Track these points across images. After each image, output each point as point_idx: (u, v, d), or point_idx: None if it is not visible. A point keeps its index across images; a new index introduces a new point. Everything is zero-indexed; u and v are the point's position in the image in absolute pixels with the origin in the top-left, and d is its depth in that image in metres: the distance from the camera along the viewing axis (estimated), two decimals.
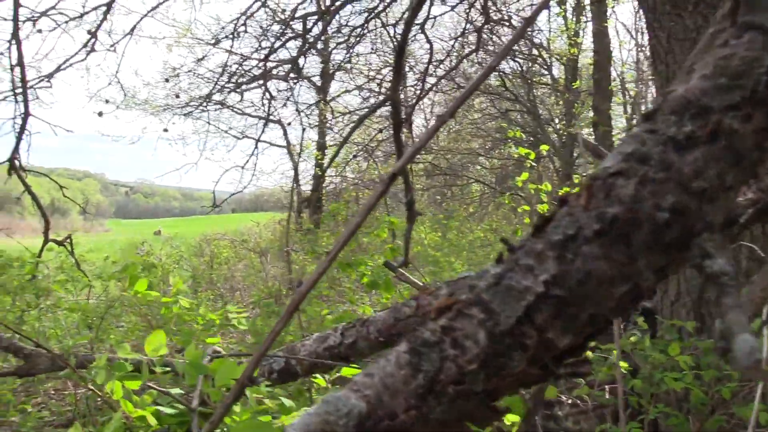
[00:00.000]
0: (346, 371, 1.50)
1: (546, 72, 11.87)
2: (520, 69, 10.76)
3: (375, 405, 0.47)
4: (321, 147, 12.69)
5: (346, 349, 1.43)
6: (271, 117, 10.68)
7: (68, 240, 5.52)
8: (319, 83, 12.92)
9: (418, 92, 7.08)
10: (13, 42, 4.80)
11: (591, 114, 10.52)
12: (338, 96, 10.73)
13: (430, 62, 6.87)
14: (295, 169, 14.08)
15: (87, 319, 4.91)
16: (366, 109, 9.80)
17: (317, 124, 12.03)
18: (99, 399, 4.42)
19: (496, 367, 0.48)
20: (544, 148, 5.05)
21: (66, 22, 6.52)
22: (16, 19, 5.18)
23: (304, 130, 9.85)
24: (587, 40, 10.66)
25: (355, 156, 9.25)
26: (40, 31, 6.70)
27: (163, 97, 12.11)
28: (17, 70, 5.28)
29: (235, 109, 12.15)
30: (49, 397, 4.80)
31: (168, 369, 1.25)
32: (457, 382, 0.48)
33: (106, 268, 10.66)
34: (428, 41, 6.15)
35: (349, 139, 11.93)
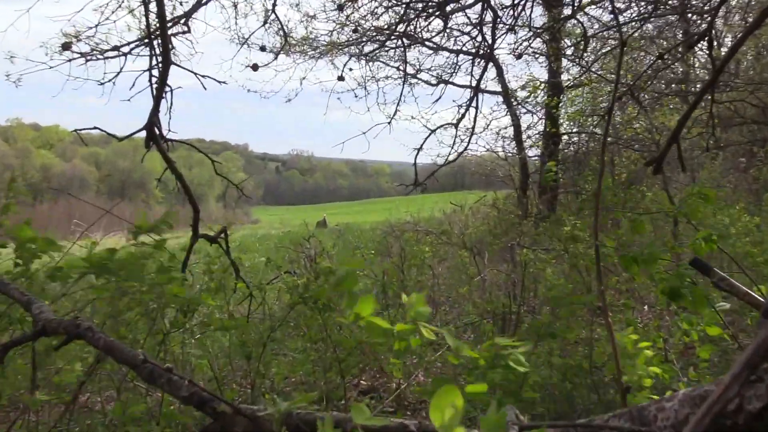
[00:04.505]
0: None
1: None
2: None
3: None
4: (555, 90, 12.28)
5: (751, 419, 1.16)
6: (483, 50, 10.55)
7: (223, 235, 5.83)
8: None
9: None
10: None
11: None
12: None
13: None
14: (517, 125, 13.91)
15: (245, 344, 5.15)
16: None
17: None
18: None
19: None
20: None
21: None
22: None
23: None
24: None
25: (620, 98, 8.71)
26: None
27: (326, 34, 12.56)
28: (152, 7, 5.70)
29: (429, 44, 12.22)
30: None
31: None
32: None
33: (262, 275, 11.40)
34: None
35: (598, 78, 11.40)
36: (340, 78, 11.34)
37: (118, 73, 7.29)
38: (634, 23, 9.72)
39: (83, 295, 4.52)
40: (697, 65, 12.88)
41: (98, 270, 3.05)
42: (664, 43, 12.08)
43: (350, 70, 11.73)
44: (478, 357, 1.88)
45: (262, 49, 11.41)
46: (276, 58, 11.65)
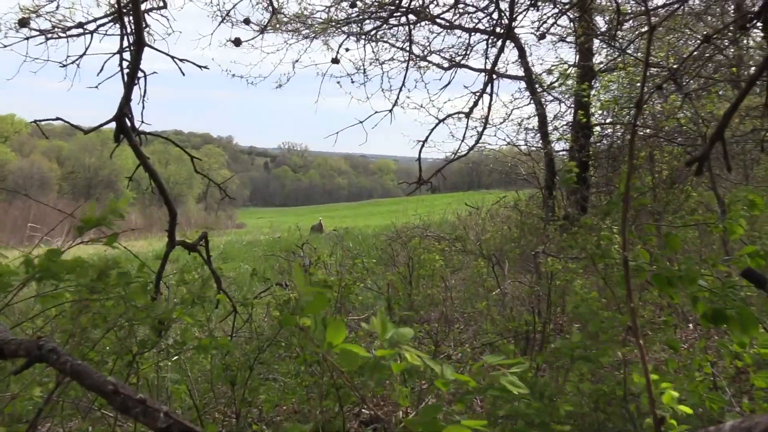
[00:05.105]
0: None
1: None
2: None
3: None
4: (586, 75, 12.28)
5: None
6: (500, 28, 10.55)
7: (203, 242, 5.84)
8: None
9: None
10: None
11: None
12: None
13: None
14: (542, 115, 13.91)
15: (229, 368, 5.17)
16: None
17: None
18: None
19: None
20: None
21: None
22: None
23: None
24: None
25: (659, 87, 8.67)
26: None
27: (322, 10, 12.60)
28: None
29: (439, 22, 12.21)
30: None
31: None
32: None
33: (249, 287, 11.39)
34: None
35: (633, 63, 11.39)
36: (335, 60, 11.28)
37: (83, 54, 7.27)
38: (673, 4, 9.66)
39: (30, 306, 4.52)
40: (752, 45, 12.80)
41: (41, 274, 3.01)
42: (711, 19, 12.03)
43: (346, 50, 11.65)
44: (468, 380, 1.89)
45: (246, 21, 11.35)
46: (261, 33, 11.64)
